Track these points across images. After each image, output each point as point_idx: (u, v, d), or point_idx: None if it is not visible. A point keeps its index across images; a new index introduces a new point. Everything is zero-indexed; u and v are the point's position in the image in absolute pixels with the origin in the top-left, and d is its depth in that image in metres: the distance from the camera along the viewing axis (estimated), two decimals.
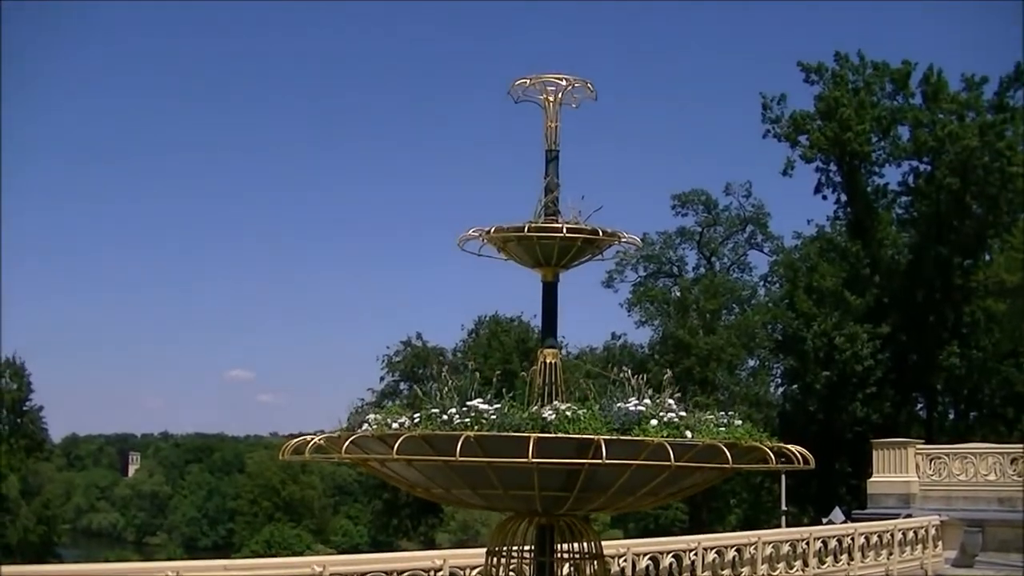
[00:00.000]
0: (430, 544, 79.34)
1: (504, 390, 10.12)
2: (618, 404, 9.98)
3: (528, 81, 11.89)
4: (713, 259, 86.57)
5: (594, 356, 78.82)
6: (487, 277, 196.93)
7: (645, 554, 24.46)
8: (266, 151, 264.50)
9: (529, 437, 9.24)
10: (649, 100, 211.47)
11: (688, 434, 9.79)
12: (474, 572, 20.27)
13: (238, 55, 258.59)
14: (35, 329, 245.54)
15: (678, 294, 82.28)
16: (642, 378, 10.51)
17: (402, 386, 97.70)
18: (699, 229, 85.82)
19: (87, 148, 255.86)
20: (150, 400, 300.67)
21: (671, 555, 25.15)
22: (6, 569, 14.80)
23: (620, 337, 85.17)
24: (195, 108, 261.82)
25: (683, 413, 10.06)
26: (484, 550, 21.17)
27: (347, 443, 9.91)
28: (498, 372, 11.77)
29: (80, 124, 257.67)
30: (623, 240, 11.57)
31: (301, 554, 79.12)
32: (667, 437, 9.59)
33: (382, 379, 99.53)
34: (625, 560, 23.29)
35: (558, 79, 11.86)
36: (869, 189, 76.90)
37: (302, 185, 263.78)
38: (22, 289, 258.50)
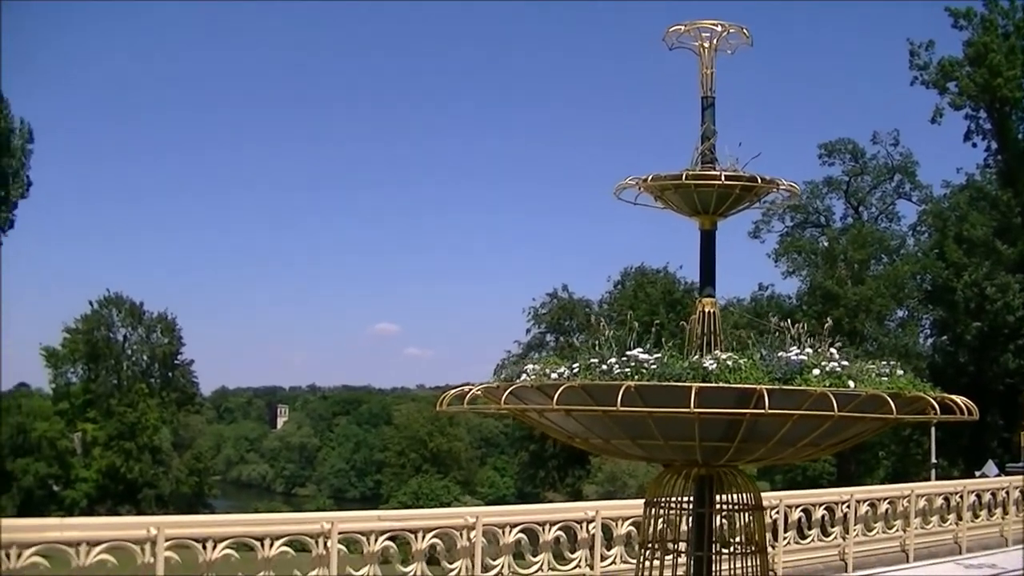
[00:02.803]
0: (577, 496, 79.25)
1: (664, 340, 10.02)
2: (779, 353, 9.83)
3: (683, 28, 11.71)
4: (861, 209, 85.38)
5: (742, 307, 78.11)
6: (634, 228, 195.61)
7: (797, 506, 24.28)
8: (412, 103, 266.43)
9: (690, 387, 9.13)
10: (794, 48, 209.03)
11: (851, 384, 9.62)
12: (625, 524, 20.27)
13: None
14: (186, 284, 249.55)
15: (826, 244, 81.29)
16: (802, 326, 10.35)
17: (548, 338, 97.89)
18: (846, 179, 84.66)
19: (229, 102, 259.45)
20: (298, 354, 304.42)
21: (823, 507, 24.91)
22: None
23: (767, 288, 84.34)
24: (335, 59, 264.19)
25: (845, 363, 9.88)
26: (635, 502, 21.24)
27: (506, 393, 9.87)
28: (649, 323, 11.63)
29: (214, 79, 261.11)
30: (781, 187, 11.36)
31: (449, 505, 79.80)
32: (829, 387, 9.44)
33: (528, 331, 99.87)
34: (777, 512, 23.11)
35: (713, 25, 11.67)
36: (1020, 136, 75.00)
37: (450, 136, 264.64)
38: (173, 244, 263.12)
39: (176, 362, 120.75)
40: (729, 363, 9.61)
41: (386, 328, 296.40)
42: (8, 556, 13.83)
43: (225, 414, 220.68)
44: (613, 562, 20.07)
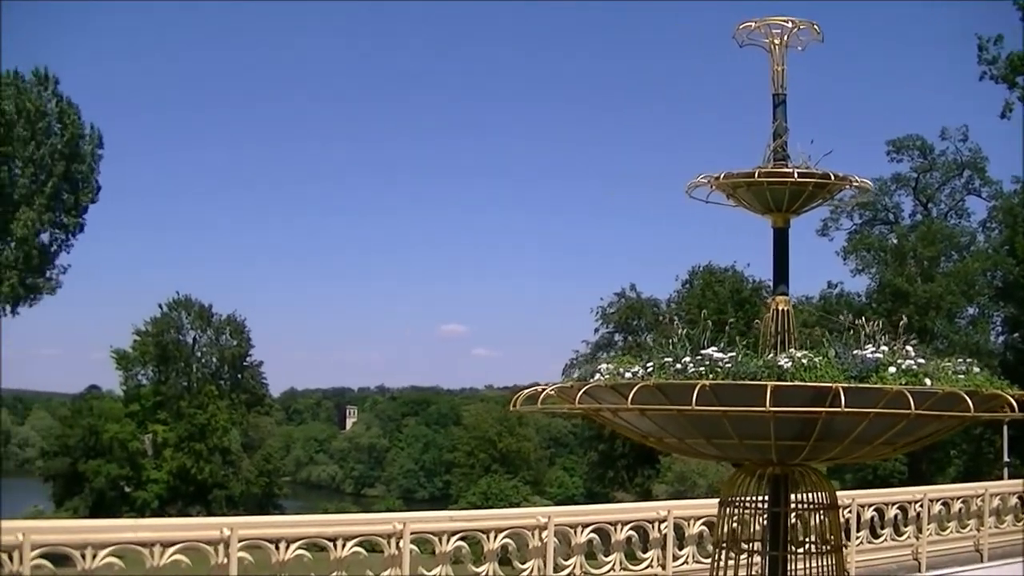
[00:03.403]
0: (646, 496, 79.01)
1: (737, 339, 9.98)
2: (854, 351, 9.76)
3: (753, 24, 11.67)
4: (930, 205, 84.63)
5: (810, 305, 77.70)
6: (702, 228, 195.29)
7: (870, 505, 24.12)
8: (483, 101, 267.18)
9: (765, 386, 9.09)
10: (860, 43, 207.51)
11: (927, 382, 9.55)
12: (697, 523, 20.20)
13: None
14: (256, 286, 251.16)
15: (895, 241, 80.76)
16: (877, 324, 10.27)
17: (616, 337, 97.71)
18: (915, 175, 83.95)
19: (298, 95, 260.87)
20: (367, 355, 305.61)
21: (896, 506, 24.71)
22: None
23: (836, 286, 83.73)
24: (419, 52, 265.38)
25: (921, 360, 9.81)
26: (706, 501, 21.21)
27: (580, 393, 9.86)
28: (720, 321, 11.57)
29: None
30: (854, 184, 11.28)
31: (518, 505, 79.82)
32: (905, 385, 9.37)
33: (596, 331, 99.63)
34: (850, 511, 22.95)
35: (784, 22, 11.62)
36: None
37: (518, 135, 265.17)
38: (242, 248, 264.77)
39: (245, 364, 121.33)
40: (804, 361, 9.56)
41: (454, 329, 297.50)
42: (83, 556, 13.96)
43: (294, 415, 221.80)
44: (685, 562, 20.02)
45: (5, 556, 13.53)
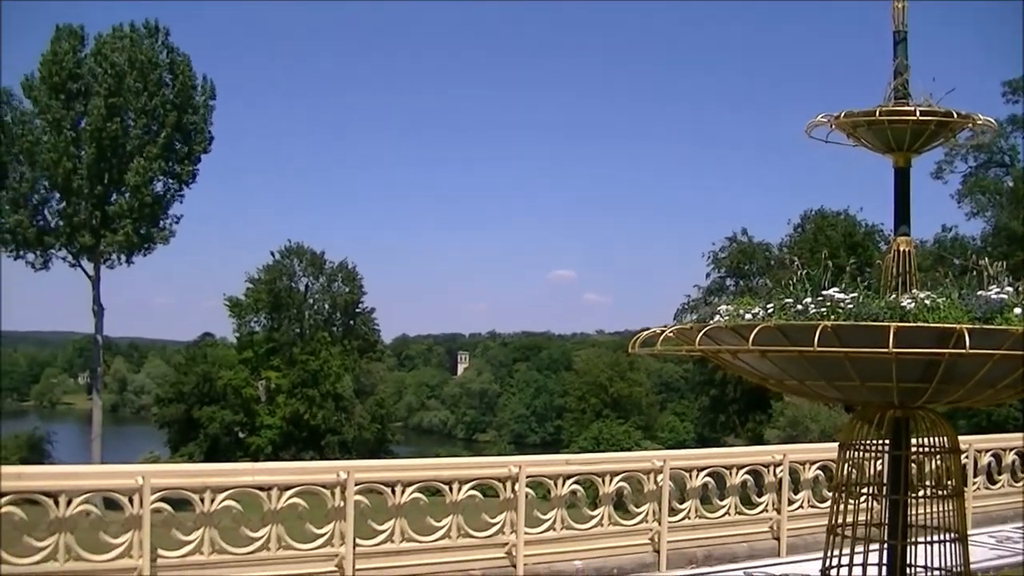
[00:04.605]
0: (757, 440, 78.77)
1: (858, 281, 9.83)
2: (978, 292, 9.59)
3: None
4: None
5: (924, 249, 76.84)
6: (812, 174, 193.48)
7: (987, 451, 23.81)
8: (597, 58, 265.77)
9: (888, 326, 8.93)
10: None
11: None
12: (813, 467, 20.08)
13: None
14: (367, 234, 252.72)
15: (1011, 184, 79.40)
16: (1002, 265, 10.06)
17: (728, 282, 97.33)
18: None
19: (412, 44, 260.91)
20: (478, 301, 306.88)
21: (1014, 452, 24.37)
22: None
23: (951, 230, 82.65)
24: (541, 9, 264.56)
25: None
26: (822, 445, 21.09)
27: (700, 335, 9.77)
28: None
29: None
30: (977, 123, 11.03)
31: (630, 450, 79.78)
32: None
33: (708, 275, 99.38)
34: (967, 456, 22.66)
35: None
36: None
37: (629, 85, 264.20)
38: (354, 196, 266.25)
39: (357, 310, 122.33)
40: (927, 302, 9.40)
41: (564, 274, 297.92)
42: (202, 500, 14.14)
43: (406, 361, 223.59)
44: (800, 506, 19.92)
45: (125, 499, 13.73)
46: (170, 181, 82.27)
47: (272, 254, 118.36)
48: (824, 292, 9.60)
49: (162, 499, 13.90)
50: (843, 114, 10.82)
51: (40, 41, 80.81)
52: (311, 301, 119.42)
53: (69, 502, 13.30)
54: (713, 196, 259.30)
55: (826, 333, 8.98)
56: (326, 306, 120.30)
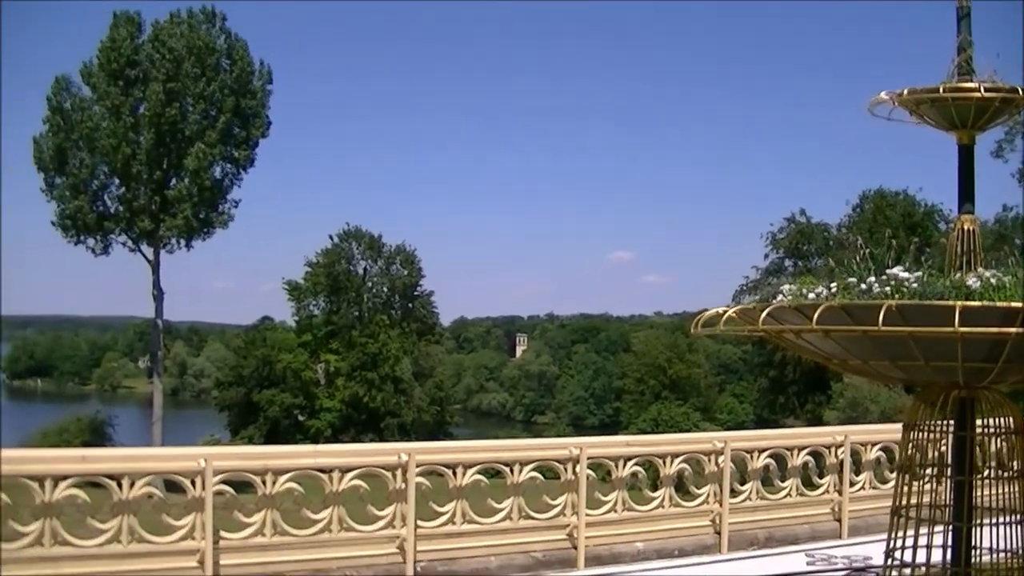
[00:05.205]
0: (817, 422, 78.30)
1: (923, 260, 9.74)
2: None
3: None
4: None
5: (984, 229, 76.11)
6: (872, 153, 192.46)
7: None
8: (648, 42, 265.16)
9: (954, 306, 8.84)
10: None
11: None
12: (874, 449, 19.92)
13: None
14: (425, 217, 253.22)
15: None
16: None
17: (787, 263, 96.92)
18: None
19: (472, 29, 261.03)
20: (536, 284, 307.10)
21: None
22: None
23: (1011, 209, 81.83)
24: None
25: None
26: (884, 426, 20.93)
27: (763, 314, 9.70)
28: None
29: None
30: None
31: (689, 431, 79.61)
32: None
33: (766, 256, 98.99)
34: None
35: None
36: None
37: (690, 71, 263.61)
38: (412, 179, 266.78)
39: (416, 293, 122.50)
40: (993, 281, 9.29)
41: (622, 256, 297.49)
42: (264, 482, 14.18)
43: (465, 344, 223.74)
44: (862, 487, 19.75)
45: (187, 481, 13.79)
46: (228, 166, 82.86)
47: (330, 237, 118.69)
48: (888, 271, 9.52)
49: (224, 481, 13.93)
50: (906, 91, 10.70)
51: (98, 28, 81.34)
52: (369, 284, 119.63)
53: (132, 484, 13.36)
54: (770, 177, 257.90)
55: (891, 313, 8.89)
56: (384, 289, 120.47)
